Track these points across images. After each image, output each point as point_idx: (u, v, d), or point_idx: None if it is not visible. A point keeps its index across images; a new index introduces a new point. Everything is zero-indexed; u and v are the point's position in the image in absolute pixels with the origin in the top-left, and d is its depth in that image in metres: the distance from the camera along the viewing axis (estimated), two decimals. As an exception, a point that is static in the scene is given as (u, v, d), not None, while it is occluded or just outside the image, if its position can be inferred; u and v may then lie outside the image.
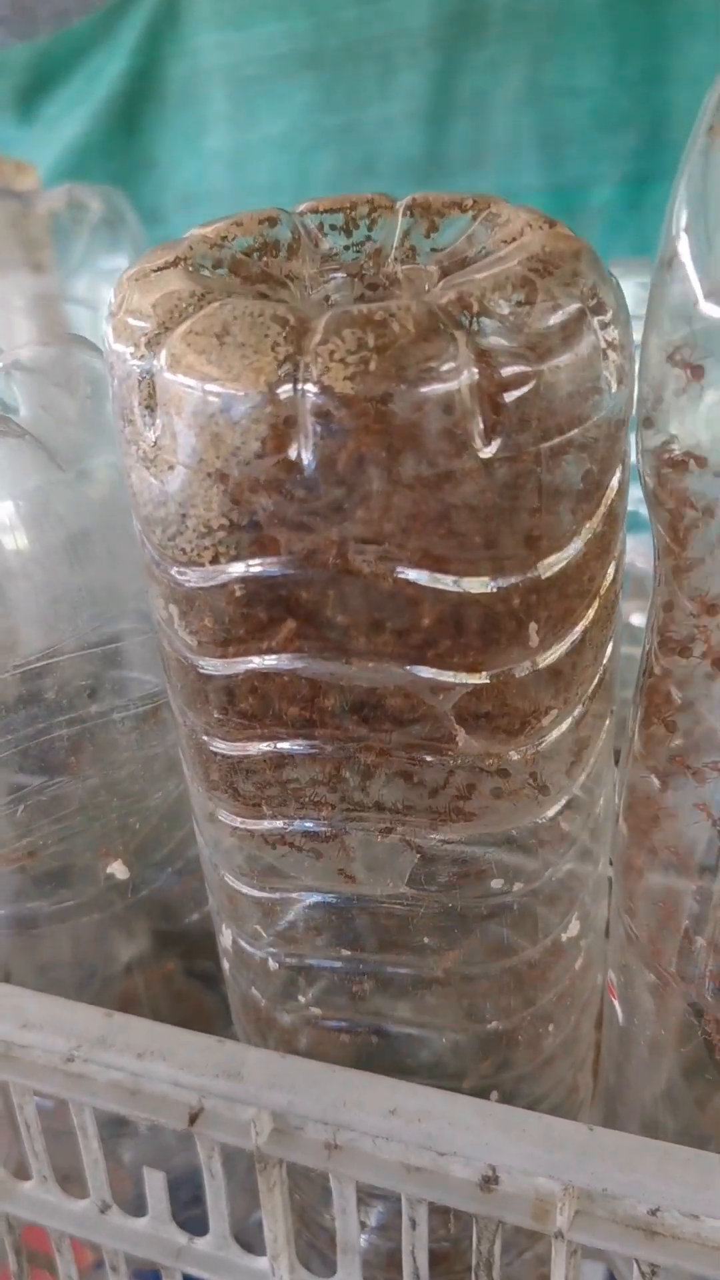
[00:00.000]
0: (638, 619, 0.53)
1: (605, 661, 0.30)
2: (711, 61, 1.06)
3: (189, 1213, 0.39)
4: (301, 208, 0.30)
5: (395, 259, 0.30)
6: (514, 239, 0.27)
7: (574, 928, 0.33)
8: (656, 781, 0.30)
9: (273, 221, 0.30)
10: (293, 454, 0.24)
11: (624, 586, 0.31)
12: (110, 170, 1.31)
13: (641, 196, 1.14)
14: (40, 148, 1.33)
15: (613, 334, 0.26)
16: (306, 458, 0.24)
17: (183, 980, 0.44)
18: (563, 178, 1.16)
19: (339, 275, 0.30)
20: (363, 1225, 0.35)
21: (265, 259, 0.29)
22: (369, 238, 0.30)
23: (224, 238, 0.29)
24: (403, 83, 1.17)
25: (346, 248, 0.30)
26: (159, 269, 0.27)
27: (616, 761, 0.34)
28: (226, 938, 0.35)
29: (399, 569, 0.25)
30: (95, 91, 1.30)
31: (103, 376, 0.36)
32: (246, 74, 1.23)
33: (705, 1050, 0.31)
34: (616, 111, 1.12)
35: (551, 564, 0.26)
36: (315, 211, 0.30)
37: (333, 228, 0.30)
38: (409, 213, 0.30)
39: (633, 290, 0.60)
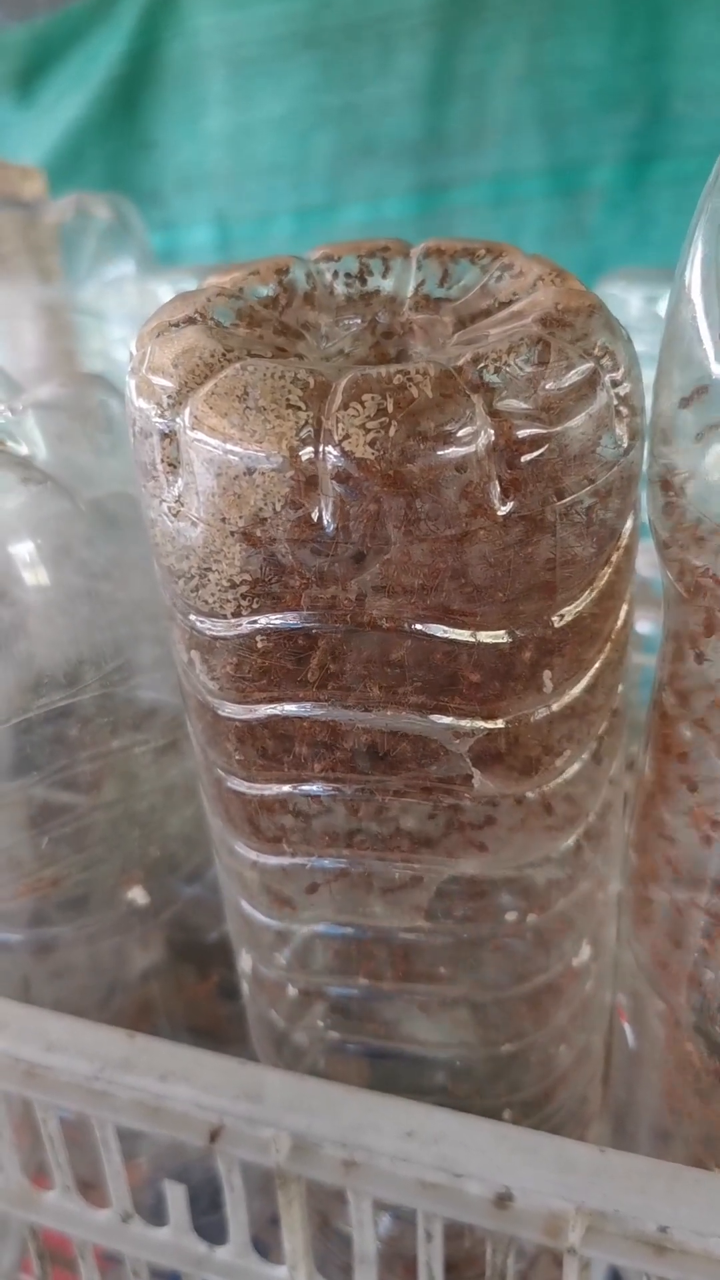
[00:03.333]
0: (644, 627, 0.53)
1: (617, 698, 0.31)
2: (713, 39, 1.05)
3: (208, 1218, 0.40)
4: (316, 254, 0.31)
5: (409, 307, 0.30)
6: (526, 292, 0.28)
7: (586, 951, 0.34)
8: (666, 814, 0.30)
9: (288, 270, 0.30)
10: (314, 514, 0.24)
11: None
12: (109, 152, 1.30)
13: (642, 176, 1.12)
14: (38, 130, 1.32)
15: (625, 390, 0.26)
16: (327, 518, 0.24)
17: (201, 990, 0.45)
18: (563, 157, 1.14)
19: (354, 321, 0.30)
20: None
21: (282, 307, 0.30)
22: (382, 287, 0.31)
23: (241, 288, 0.29)
24: (402, 63, 1.16)
25: (362, 295, 0.31)
26: (178, 324, 0.27)
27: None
28: (245, 961, 0.36)
29: (417, 624, 0.25)
30: (93, 73, 1.29)
31: (119, 415, 0.36)
32: (245, 55, 1.22)
33: (716, 1079, 0.32)
34: (617, 90, 1.10)
35: (566, 614, 0.27)
36: (330, 259, 0.31)
37: (347, 275, 0.31)
38: (423, 260, 0.30)
39: (639, 304, 0.61)
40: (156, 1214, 0.39)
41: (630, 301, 0.60)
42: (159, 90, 1.27)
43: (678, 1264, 0.30)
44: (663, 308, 0.65)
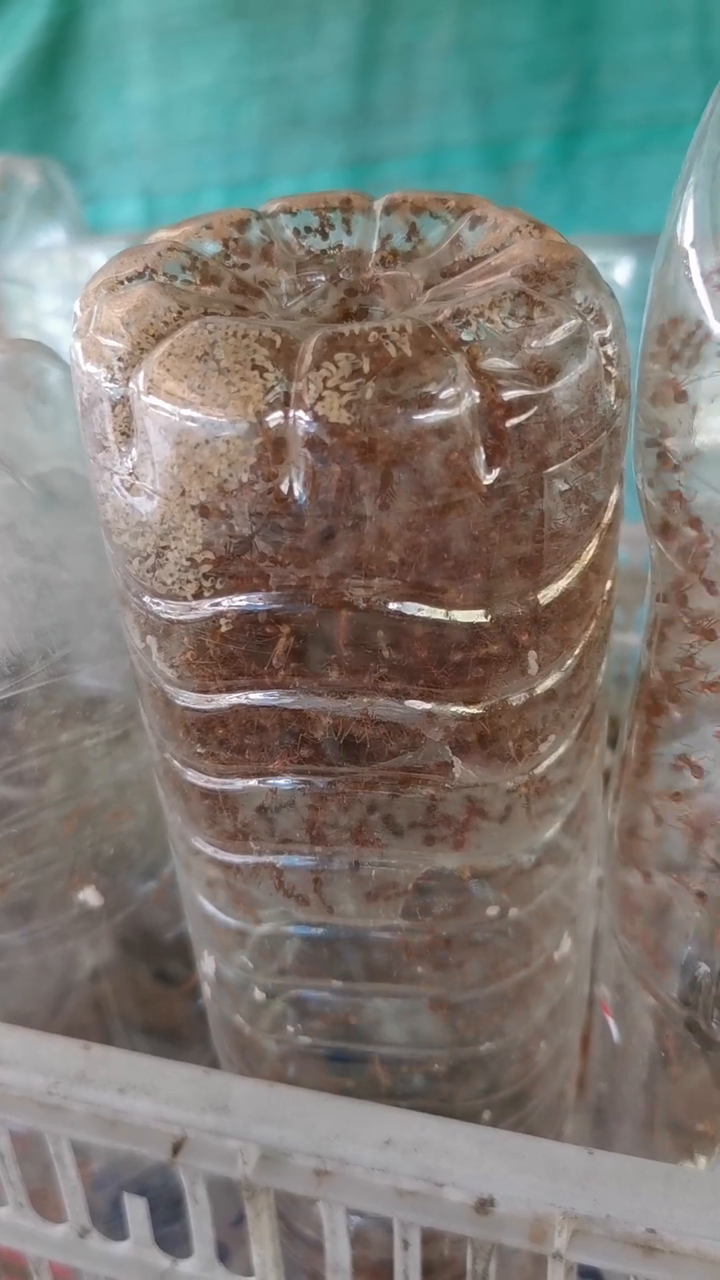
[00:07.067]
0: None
1: (600, 680, 0.29)
2: (642, 10, 1.04)
3: (169, 1228, 0.38)
4: (273, 207, 0.29)
5: (375, 263, 0.28)
6: (502, 245, 0.26)
7: (566, 944, 0.33)
8: (657, 803, 0.29)
9: (244, 224, 0.28)
10: (283, 486, 0.22)
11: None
12: (31, 125, 1.26)
13: (574, 149, 1.11)
14: (-44, 103, 1.28)
15: (613, 349, 0.24)
16: (298, 489, 0.22)
17: (159, 993, 0.43)
18: (493, 130, 1.13)
19: (317, 279, 0.28)
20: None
21: (237, 263, 0.28)
22: (344, 242, 0.29)
23: (193, 243, 0.27)
24: (331, 32, 1.13)
25: (323, 251, 0.28)
26: (128, 279, 0.25)
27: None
28: (207, 963, 0.34)
29: (394, 603, 0.24)
30: (13, 44, 1.25)
31: (58, 384, 0.34)
32: (171, 24, 1.18)
33: (709, 1074, 0.30)
34: (548, 63, 1.09)
35: (552, 591, 0.25)
36: (288, 212, 0.29)
37: (307, 229, 0.29)
38: (387, 212, 0.28)
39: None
40: (114, 1218, 0.37)
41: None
42: (81, 60, 1.24)
43: (668, 1264, 0.29)
44: (619, 273, 0.63)
